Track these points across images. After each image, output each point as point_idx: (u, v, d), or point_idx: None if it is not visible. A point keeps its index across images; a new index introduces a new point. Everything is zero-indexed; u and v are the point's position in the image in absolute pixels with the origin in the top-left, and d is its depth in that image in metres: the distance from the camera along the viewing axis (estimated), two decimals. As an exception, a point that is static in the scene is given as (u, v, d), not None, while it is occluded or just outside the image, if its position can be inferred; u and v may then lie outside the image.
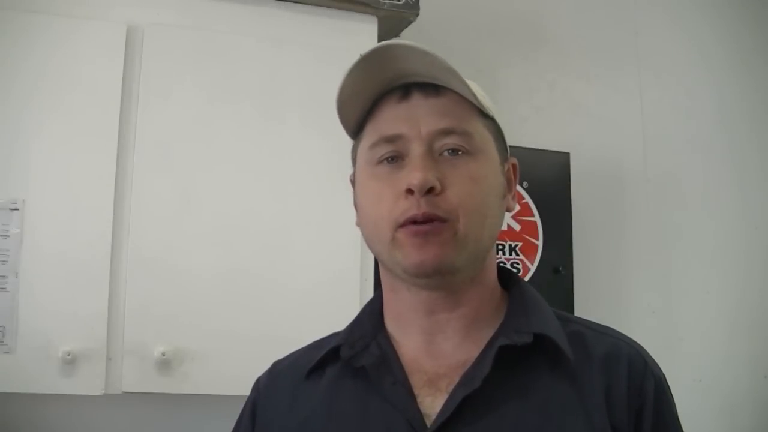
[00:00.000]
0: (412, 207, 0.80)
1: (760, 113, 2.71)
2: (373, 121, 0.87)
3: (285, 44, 1.84)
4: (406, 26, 1.99)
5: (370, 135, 0.87)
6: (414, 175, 0.79)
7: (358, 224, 0.90)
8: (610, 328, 0.90)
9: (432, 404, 0.81)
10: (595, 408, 0.80)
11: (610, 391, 0.81)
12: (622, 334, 0.90)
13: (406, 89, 0.85)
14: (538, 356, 0.83)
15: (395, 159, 0.83)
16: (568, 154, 2.37)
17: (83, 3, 1.71)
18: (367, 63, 0.82)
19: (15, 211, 1.60)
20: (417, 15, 1.94)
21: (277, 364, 1.00)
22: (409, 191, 0.80)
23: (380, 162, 0.84)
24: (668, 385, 0.86)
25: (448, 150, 0.83)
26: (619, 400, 0.81)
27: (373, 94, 0.86)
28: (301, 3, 1.86)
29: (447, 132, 0.83)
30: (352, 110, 0.88)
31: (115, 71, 1.69)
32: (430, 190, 0.79)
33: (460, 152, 0.83)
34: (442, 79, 0.84)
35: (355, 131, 0.90)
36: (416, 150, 0.82)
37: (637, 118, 2.62)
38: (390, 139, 0.84)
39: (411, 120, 0.83)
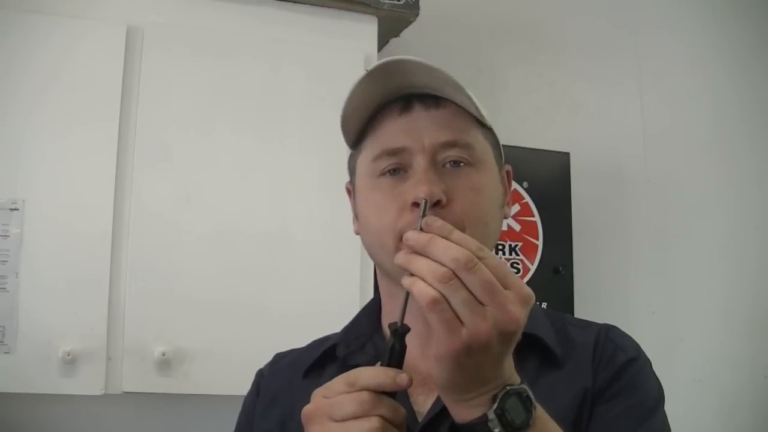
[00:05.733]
0: (418, 220, 0.80)
1: (759, 113, 2.71)
2: (374, 133, 0.87)
3: (285, 44, 1.84)
4: (406, 26, 1.99)
5: (371, 147, 0.87)
6: (420, 188, 0.79)
7: (358, 232, 0.91)
8: (596, 323, 0.93)
9: (424, 402, 0.83)
10: (580, 382, 0.83)
11: (584, 369, 0.84)
12: (606, 325, 0.92)
13: (406, 101, 0.86)
14: (527, 355, 0.84)
15: (398, 171, 0.84)
16: (568, 154, 2.37)
17: (83, 3, 1.71)
18: (372, 77, 0.83)
19: (15, 211, 1.60)
20: (417, 15, 1.94)
21: (278, 358, 1.02)
22: (416, 204, 0.80)
23: (383, 174, 0.85)
24: (650, 367, 0.87)
25: (450, 162, 0.84)
26: (586, 365, 0.84)
27: (374, 106, 0.87)
28: (301, 3, 1.86)
29: (450, 144, 0.84)
30: (354, 122, 0.88)
31: (115, 71, 1.69)
32: (436, 203, 0.80)
33: (462, 164, 0.84)
34: (443, 91, 0.84)
35: (355, 142, 0.91)
36: (420, 163, 0.82)
37: (637, 118, 2.62)
38: (393, 152, 0.84)
39: (413, 133, 0.84)
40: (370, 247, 0.88)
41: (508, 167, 0.94)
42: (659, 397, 0.86)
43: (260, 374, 1.01)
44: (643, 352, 0.88)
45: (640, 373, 0.86)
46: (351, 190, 0.94)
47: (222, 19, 1.81)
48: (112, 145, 1.68)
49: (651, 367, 0.88)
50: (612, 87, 2.60)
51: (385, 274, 0.89)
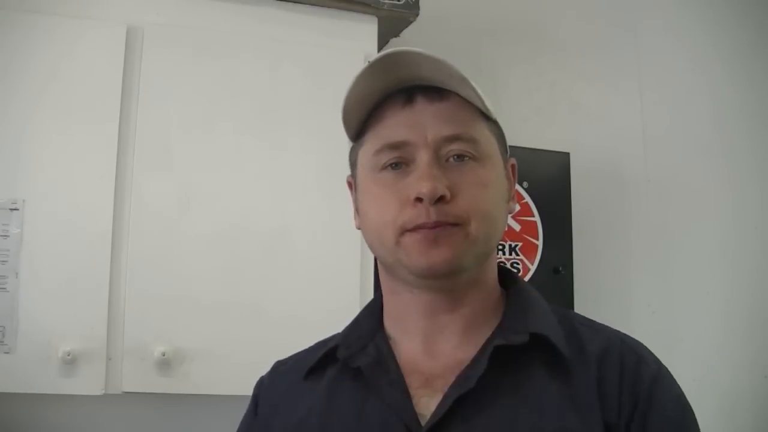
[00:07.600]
0: (420, 215, 0.79)
1: (760, 113, 2.71)
2: (377, 126, 0.86)
3: (285, 44, 1.84)
4: (406, 26, 1.99)
5: (373, 141, 0.86)
6: (423, 184, 0.78)
7: (359, 228, 0.90)
8: (606, 325, 0.90)
9: (428, 404, 0.82)
10: (588, 405, 0.79)
11: (602, 388, 0.80)
12: (618, 331, 0.89)
13: (409, 93, 0.84)
14: (534, 354, 0.82)
15: (400, 165, 0.83)
16: (568, 154, 2.37)
17: (83, 3, 1.71)
18: (375, 69, 0.82)
19: (15, 211, 1.60)
20: (417, 15, 1.94)
21: (279, 365, 1.00)
22: (418, 200, 0.79)
23: (384, 168, 0.84)
24: (671, 377, 0.84)
25: (454, 156, 0.82)
26: (611, 397, 0.79)
27: (376, 98, 0.86)
28: (301, 3, 1.86)
29: (453, 138, 0.82)
30: (355, 115, 0.87)
31: (115, 71, 1.69)
32: (440, 199, 0.79)
33: (466, 158, 0.83)
34: (447, 84, 0.83)
35: (356, 134, 0.90)
36: (423, 157, 0.81)
37: (637, 118, 2.62)
38: (395, 146, 0.83)
39: (416, 126, 0.83)
40: (370, 243, 0.87)
41: (513, 160, 0.92)
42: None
43: (260, 383, 0.99)
44: (664, 366, 0.85)
45: (685, 411, 0.82)
46: (352, 184, 0.92)
47: (222, 19, 1.81)
48: (112, 145, 1.67)
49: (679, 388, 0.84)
50: (612, 87, 2.60)
51: (386, 269, 0.88)
